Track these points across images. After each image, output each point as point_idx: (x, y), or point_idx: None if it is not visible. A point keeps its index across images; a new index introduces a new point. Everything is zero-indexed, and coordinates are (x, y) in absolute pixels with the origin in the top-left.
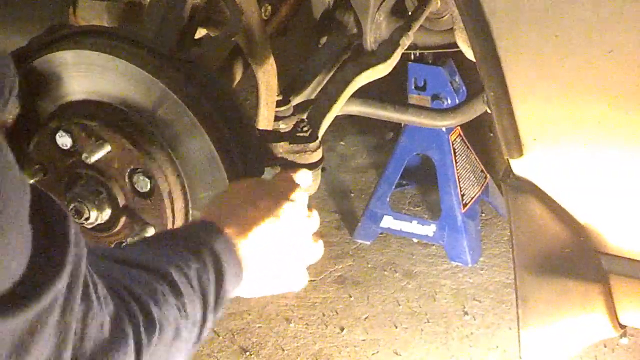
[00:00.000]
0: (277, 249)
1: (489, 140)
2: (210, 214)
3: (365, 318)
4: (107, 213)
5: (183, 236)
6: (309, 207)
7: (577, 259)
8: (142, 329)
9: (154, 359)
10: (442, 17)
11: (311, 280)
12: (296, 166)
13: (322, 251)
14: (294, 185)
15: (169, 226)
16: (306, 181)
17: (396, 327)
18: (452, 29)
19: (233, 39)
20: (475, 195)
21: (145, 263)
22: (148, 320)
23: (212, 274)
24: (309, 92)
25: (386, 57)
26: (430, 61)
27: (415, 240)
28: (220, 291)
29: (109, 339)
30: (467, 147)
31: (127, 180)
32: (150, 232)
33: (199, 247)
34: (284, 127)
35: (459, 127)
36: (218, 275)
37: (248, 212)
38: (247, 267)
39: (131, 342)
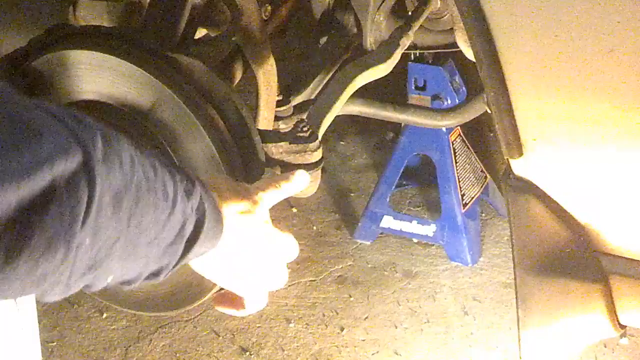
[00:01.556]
0: (251, 251)
1: (489, 140)
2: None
3: (365, 318)
4: None
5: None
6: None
7: (577, 259)
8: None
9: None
10: (442, 17)
11: (311, 280)
12: (295, 167)
13: (285, 281)
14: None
15: None
16: (303, 183)
17: (396, 327)
18: (452, 29)
19: (233, 39)
20: (475, 195)
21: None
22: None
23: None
24: (309, 92)
25: (386, 57)
26: (430, 61)
27: (415, 240)
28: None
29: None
30: (467, 147)
31: None
32: None
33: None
34: (284, 127)
35: (459, 127)
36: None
37: (235, 197)
38: (223, 238)
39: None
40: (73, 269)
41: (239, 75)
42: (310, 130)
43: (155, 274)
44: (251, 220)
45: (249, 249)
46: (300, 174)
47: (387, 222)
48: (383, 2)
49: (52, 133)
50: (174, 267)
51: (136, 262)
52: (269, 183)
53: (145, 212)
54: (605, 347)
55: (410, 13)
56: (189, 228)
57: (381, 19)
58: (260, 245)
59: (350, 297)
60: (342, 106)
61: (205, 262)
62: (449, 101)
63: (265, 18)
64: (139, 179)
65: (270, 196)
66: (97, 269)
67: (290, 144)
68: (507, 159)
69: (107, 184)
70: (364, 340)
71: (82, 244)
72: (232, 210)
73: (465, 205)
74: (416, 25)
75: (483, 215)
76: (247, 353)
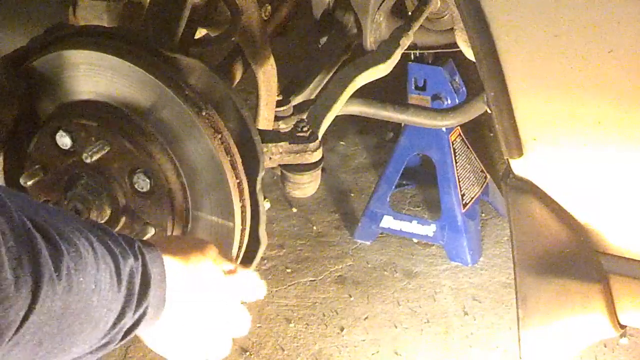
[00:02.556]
0: (203, 312)
1: (489, 140)
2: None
3: (365, 318)
4: (107, 213)
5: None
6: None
7: (577, 259)
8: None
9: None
10: (442, 17)
11: (311, 280)
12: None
13: (226, 353)
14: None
15: (169, 226)
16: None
17: (396, 327)
18: (452, 29)
19: (233, 39)
20: (475, 195)
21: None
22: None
23: (139, 272)
24: (309, 92)
25: (386, 57)
26: (430, 61)
27: (415, 240)
28: (144, 295)
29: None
30: (467, 147)
31: (127, 180)
32: (151, 232)
33: (133, 246)
34: (284, 127)
35: (459, 127)
36: (144, 279)
37: (190, 258)
38: (170, 304)
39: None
40: None
41: (239, 75)
42: (310, 130)
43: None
44: (203, 265)
45: (195, 313)
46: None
47: (387, 222)
48: (383, 2)
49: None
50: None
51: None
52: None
53: (67, 347)
54: (605, 346)
55: (410, 13)
56: (129, 323)
57: (381, 19)
58: (208, 308)
59: (350, 297)
60: (342, 106)
61: (151, 330)
62: (449, 101)
63: (265, 18)
64: (78, 322)
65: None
66: None
67: (290, 144)
68: (507, 159)
69: (29, 334)
70: (363, 340)
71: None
72: (183, 280)
73: (465, 205)
74: (416, 25)
75: (483, 215)
76: (247, 353)
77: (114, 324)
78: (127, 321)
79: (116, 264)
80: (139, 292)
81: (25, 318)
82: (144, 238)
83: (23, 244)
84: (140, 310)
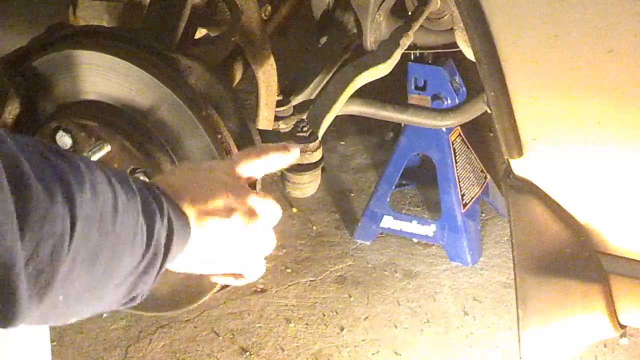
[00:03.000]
0: (223, 246)
1: (489, 140)
2: (168, 184)
3: (365, 318)
4: None
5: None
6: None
7: (577, 259)
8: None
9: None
10: (442, 17)
11: (311, 280)
12: (295, 168)
13: (274, 243)
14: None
15: None
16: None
17: (396, 327)
18: (452, 29)
19: (233, 39)
20: (475, 195)
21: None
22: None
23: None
24: (309, 92)
25: (386, 57)
26: (430, 61)
27: (415, 240)
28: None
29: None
30: (467, 147)
31: None
32: None
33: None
34: (284, 127)
35: (459, 127)
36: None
37: (207, 194)
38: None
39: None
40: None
41: (239, 75)
42: (310, 130)
43: (130, 302)
44: (221, 225)
45: (220, 246)
46: (293, 148)
47: (387, 222)
48: (383, 2)
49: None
50: (149, 290)
51: (103, 302)
52: (250, 155)
53: (117, 263)
54: (605, 347)
55: (410, 13)
56: (159, 258)
57: (381, 19)
58: (234, 239)
59: (350, 297)
60: (342, 106)
61: (177, 263)
62: (449, 101)
63: (266, 18)
64: (115, 233)
65: (250, 168)
66: (64, 315)
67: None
68: (507, 159)
69: (83, 244)
70: (364, 340)
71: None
72: (202, 216)
73: (465, 205)
74: (416, 25)
75: (483, 215)
76: (247, 353)
77: (149, 236)
78: (160, 229)
79: (142, 198)
80: (159, 207)
81: (72, 226)
82: None
83: (45, 164)
84: (166, 219)
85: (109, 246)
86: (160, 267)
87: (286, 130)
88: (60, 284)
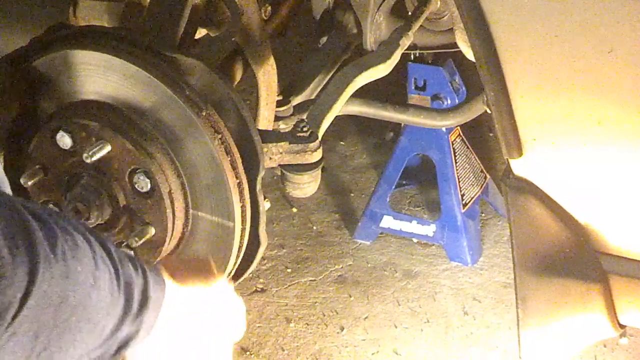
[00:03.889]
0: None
1: (489, 140)
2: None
3: (365, 318)
4: (107, 213)
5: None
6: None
7: (577, 259)
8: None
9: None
10: (442, 18)
11: (311, 280)
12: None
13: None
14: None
15: (169, 226)
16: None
17: (396, 327)
18: (452, 29)
19: (233, 39)
20: (475, 195)
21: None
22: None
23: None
24: (309, 92)
25: (386, 58)
26: (430, 61)
27: (415, 240)
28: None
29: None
30: (467, 147)
31: (127, 180)
32: (151, 232)
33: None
34: (284, 127)
35: (458, 127)
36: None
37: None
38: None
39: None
40: None
41: (239, 75)
42: (310, 130)
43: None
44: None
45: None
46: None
47: (387, 222)
48: (383, 2)
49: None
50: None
51: None
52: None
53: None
54: (604, 346)
55: (410, 13)
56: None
57: (381, 19)
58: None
59: (350, 296)
60: (342, 106)
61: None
62: (449, 101)
63: (266, 18)
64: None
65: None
66: None
67: (290, 144)
68: (507, 159)
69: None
70: (363, 340)
71: None
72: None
73: (465, 205)
74: (416, 26)
75: (483, 215)
76: (247, 352)
77: (112, 332)
78: (125, 331)
79: (115, 268)
80: (140, 302)
81: (23, 301)
82: (144, 238)
83: (16, 224)
84: (137, 322)
85: (61, 327)
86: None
87: (286, 130)
88: None
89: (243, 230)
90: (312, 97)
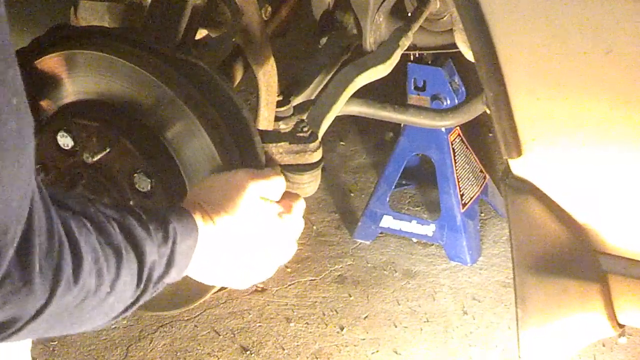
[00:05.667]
0: (245, 245)
1: (488, 141)
2: (189, 196)
3: (365, 317)
4: None
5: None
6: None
7: (577, 259)
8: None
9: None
10: (442, 18)
11: (311, 280)
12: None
13: (292, 254)
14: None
15: None
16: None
17: (396, 327)
18: (451, 29)
19: (233, 39)
20: (474, 195)
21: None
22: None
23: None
24: (309, 93)
25: (386, 58)
26: (429, 62)
27: (414, 240)
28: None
29: None
30: (467, 147)
31: (128, 180)
32: None
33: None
34: (284, 127)
35: (458, 128)
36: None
37: (225, 199)
38: (205, 252)
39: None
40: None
41: (239, 75)
42: (310, 130)
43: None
44: (232, 221)
45: (239, 243)
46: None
47: (387, 221)
48: (383, 2)
49: None
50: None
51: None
52: (263, 175)
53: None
54: (603, 346)
55: (409, 14)
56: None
57: (381, 19)
58: (251, 233)
59: (350, 296)
60: (342, 106)
61: (193, 272)
62: (448, 101)
63: (266, 18)
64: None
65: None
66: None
67: (290, 144)
68: (506, 159)
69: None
70: (363, 340)
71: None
72: (209, 216)
73: (464, 205)
74: (416, 26)
75: (482, 215)
76: (248, 352)
77: (126, 308)
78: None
79: (140, 263)
80: (159, 276)
81: (40, 312)
82: None
83: (51, 240)
84: (160, 284)
85: (75, 318)
86: (168, 270)
87: (286, 130)
88: None
89: None
90: (312, 97)
